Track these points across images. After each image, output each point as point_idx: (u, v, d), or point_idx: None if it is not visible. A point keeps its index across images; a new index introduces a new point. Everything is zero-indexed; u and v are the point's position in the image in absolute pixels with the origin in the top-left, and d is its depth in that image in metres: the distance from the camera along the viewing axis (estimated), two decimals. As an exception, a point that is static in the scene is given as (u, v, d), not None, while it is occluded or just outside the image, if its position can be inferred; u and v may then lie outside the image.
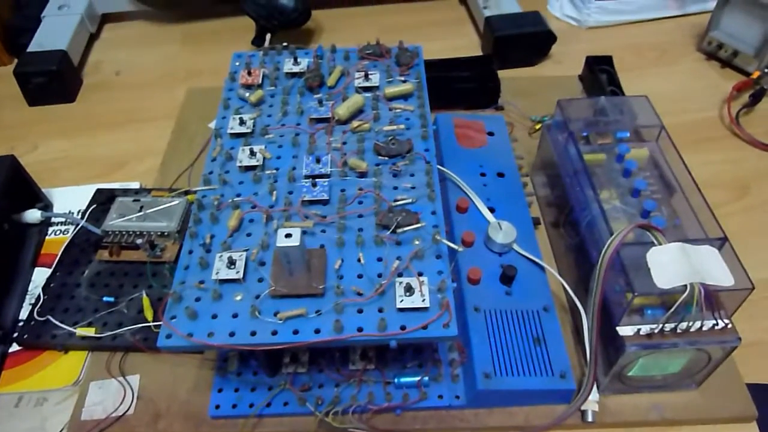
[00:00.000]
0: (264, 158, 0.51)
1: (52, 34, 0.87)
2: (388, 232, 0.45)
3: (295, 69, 0.60)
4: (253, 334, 0.41)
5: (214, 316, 0.42)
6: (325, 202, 0.49)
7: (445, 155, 0.66)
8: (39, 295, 0.58)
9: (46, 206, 0.67)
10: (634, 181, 0.53)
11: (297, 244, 0.40)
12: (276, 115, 0.56)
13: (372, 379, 0.50)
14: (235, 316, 0.42)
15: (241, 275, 0.43)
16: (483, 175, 0.64)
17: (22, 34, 0.88)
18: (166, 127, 0.78)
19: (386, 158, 0.51)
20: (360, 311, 0.42)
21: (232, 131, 0.54)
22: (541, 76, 0.85)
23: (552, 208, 0.65)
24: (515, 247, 0.57)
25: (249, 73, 0.60)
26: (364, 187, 0.49)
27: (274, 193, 0.49)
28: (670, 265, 0.44)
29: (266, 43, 0.60)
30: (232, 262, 0.43)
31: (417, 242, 0.45)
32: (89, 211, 0.65)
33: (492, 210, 0.61)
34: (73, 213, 0.67)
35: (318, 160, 0.51)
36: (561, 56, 0.88)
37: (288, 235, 0.40)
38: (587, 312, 0.49)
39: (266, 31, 0.82)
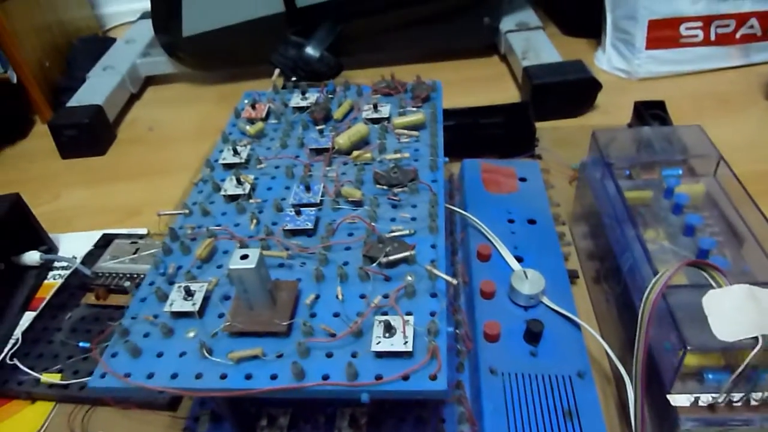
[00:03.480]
0: (250, 187, 0.46)
1: (92, 91, 0.89)
2: (374, 264, 0.38)
3: (303, 104, 0.56)
4: (199, 377, 0.34)
5: (160, 355, 0.35)
6: (309, 233, 0.42)
7: (469, 201, 0.59)
8: (18, 339, 0.53)
9: (49, 250, 0.64)
10: (687, 217, 0.43)
11: (253, 266, 0.33)
12: (274, 147, 0.52)
13: (361, 451, 0.41)
14: (182, 355, 0.35)
15: (197, 308, 0.37)
16: (511, 222, 0.56)
17: (68, 93, 0.91)
18: (187, 178, 0.76)
19: (386, 188, 0.45)
20: (329, 355, 0.34)
21: (225, 161, 0.50)
22: (585, 125, 0.77)
23: (594, 261, 0.55)
24: (544, 300, 0.48)
25: (253, 107, 0.56)
26: (355, 211, 0.43)
27: (254, 221, 0.43)
28: (735, 312, 0.34)
29: (273, 77, 0.57)
30: (189, 293, 0.37)
31: (410, 278, 0.38)
32: (86, 253, 0.62)
33: (520, 260, 0.52)
34: (76, 258, 0.64)
35: (308, 189, 0.45)
36: (608, 107, 0.80)
37: (244, 257, 0.33)
38: (632, 376, 0.39)
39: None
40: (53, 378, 0.49)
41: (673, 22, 0.81)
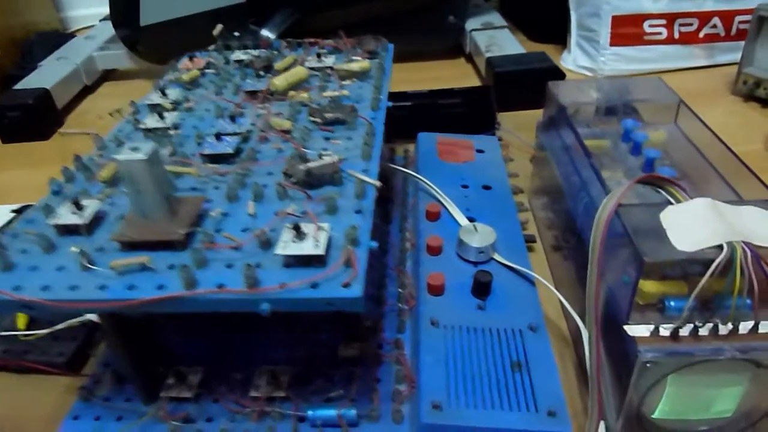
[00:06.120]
0: (173, 122, 0.42)
1: (42, 77, 0.85)
2: (292, 178, 0.33)
3: (244, 58, 0.53)
4: (74, 288, 0.28)
5: (33, 269, 0.30)
6: (230, 160, 0.38)
7: (422, 167, 0.55)
8: None
9: (-35, 220, 0.59)
10: (646, 152, 0.40)
11: (144, 157, 0.28)
12: (208, 93, 0.48)
13: (280, 411, 0.35)
14: (60, 269, 0.30)
15: (87, 222, 0.32)
16: (465, 187, 0.52)
17: (18, 81, 0.87)
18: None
19: (320, 121, 0.41)
20: (230, 266, 0.29)
21: (150, 102, 0.46)
22: (549, 114, 0.75)
23: (552, 230, 0.51)
24: (496, 256, 0.43)
25: (191, 60, 0.53)
26: (284, 144, 0.38)
27: (171, 149, 0.39)
28: (697, 224, 0.30)
29: (216, 32, 0.54)
30: (78, 207, 0.32)
31: (334, 196, 0.33)
32: (4, 223, 0.57)
33: (472, 221, 0.48)
34: (-7, 228, 0.58)
35: (233, 119, 0.41)
36: (573, 100, 0.78)
37: (135, 149, 0.29)
38: (586, 315, 0.34)
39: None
40: (-64, 336, 0.43)
41: (637, 18, 0.80)
